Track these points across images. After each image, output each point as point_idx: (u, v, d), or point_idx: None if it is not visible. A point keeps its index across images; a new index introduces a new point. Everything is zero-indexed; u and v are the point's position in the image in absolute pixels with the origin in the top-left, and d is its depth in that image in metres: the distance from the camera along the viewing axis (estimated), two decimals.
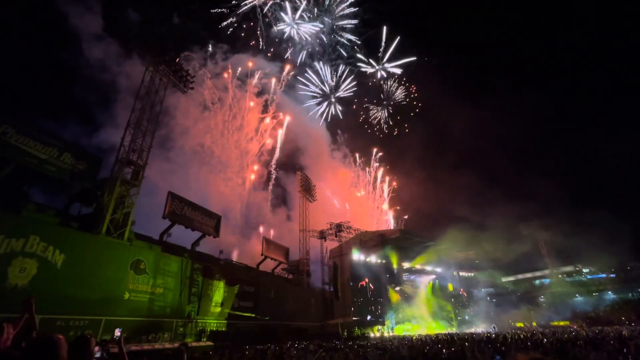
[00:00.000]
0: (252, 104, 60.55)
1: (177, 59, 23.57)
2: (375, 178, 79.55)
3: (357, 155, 79.75)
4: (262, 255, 31.50)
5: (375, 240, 45.26)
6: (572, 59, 77.69)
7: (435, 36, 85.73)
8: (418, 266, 51.89)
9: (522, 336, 17.91)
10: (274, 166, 63.47)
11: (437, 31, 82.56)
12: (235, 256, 44.90)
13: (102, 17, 46.18)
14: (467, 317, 53.34)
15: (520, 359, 1.31)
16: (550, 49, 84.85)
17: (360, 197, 78.07)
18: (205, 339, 19.89)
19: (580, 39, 74.56)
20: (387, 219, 77.67)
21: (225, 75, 58.06)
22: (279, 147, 63.42)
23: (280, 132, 63.54)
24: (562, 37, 76.67)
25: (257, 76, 61.12)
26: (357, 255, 42.80)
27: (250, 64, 60.40)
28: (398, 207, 79.20)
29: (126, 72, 46.02)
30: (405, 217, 78.08)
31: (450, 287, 54.52)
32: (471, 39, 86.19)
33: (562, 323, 49.16)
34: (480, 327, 46.73)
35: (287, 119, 64.16)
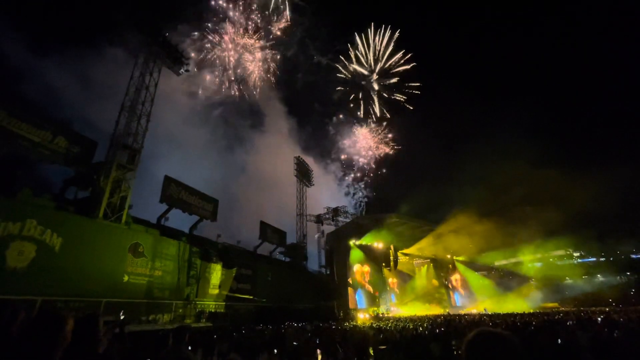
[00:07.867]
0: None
1: (171, 40, 22.93)
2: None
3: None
4: (259, 239, 31.82)
5: (371, 225, 45.67)
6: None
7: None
8: (413, 250, 52.73)
9: (511, 318, 18.47)
10: None
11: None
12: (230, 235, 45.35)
13: None
14: (459, 301, 54.75)
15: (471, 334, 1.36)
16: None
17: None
18: (204, 320, 20.34)
19: None
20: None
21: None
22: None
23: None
24: None
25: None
26: (353, 239, 43.33)
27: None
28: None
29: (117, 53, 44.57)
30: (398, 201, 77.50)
31: (443, 270, 55.64)
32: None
33: (551, 305, 50.73)
34: (472, 309, 48.13)
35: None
